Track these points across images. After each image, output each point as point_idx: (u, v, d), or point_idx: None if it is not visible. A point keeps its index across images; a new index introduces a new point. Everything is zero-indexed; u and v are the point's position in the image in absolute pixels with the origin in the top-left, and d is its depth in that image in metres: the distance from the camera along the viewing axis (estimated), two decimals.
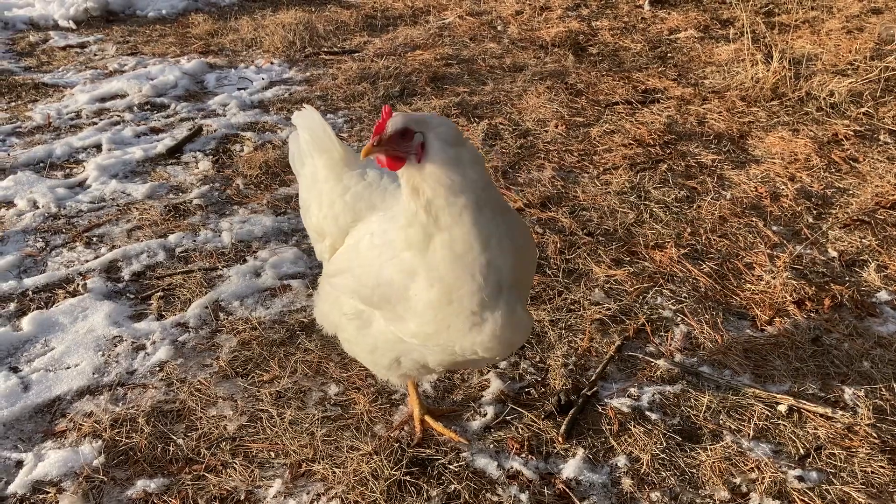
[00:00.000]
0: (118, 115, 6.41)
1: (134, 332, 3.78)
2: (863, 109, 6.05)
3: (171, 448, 3.11)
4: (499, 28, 8.75)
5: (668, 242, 4.39)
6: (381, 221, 2.69)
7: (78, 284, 4.16)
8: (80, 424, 3.22)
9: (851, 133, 5.69)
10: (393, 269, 2.51)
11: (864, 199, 4.80)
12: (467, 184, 2.30)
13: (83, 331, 3.80)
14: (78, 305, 3.97)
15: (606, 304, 3.88)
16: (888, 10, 8.52)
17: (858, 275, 4.11)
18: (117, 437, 3.15)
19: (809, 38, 7.69)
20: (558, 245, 4.35)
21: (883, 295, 3.92)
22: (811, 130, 5.77)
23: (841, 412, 3.17)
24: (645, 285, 4.03)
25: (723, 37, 8.02)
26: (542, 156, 5.51)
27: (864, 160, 5.31)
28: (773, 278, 4.05)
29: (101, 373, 3.54)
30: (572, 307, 3.88)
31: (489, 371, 3.45)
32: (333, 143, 2.96)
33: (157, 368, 3.56)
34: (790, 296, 3.92)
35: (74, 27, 8.98)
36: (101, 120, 6.31)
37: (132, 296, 4.09)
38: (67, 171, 5.50)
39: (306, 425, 3.19)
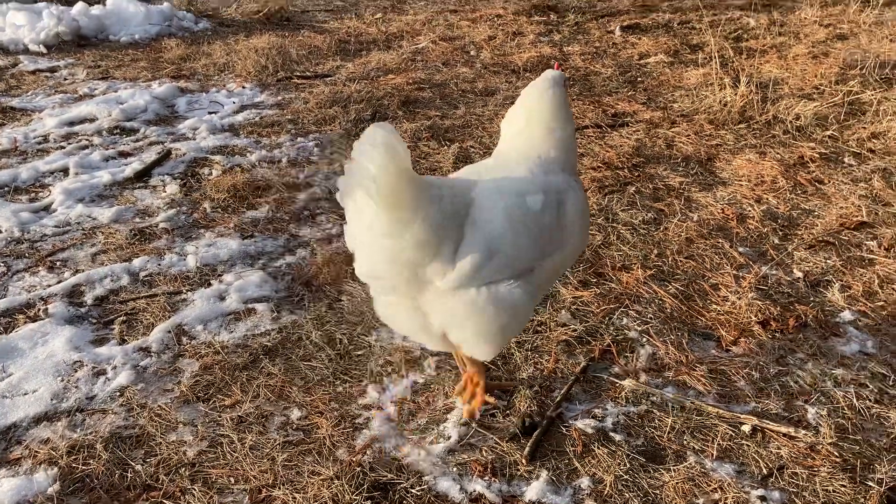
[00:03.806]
0: (86, 140, 6.37)
1: (95, 357, 3.72)
2: (828, 132, 6.14)
3: (129, 474, 3.04)
4: (472, 53, 8.82)
5: (635, 264, 4.40)
6: None
7: (39, 309, 4.09)
8: (36, 452, 3.15)
9: (817, 155, 5.77)
10: None
11: (829, 221, 4.85)
12: None
13: (42, 356, 3.73)
14: (38, 330, 3.90)
15: (573, 326, 3.88)
16: (853, 35, 8.69)
17: (823, 295, 4.14)
18: (74, 464, 3.08)
19: (777, 62, 7.81)
20: None
21: (846, 315, 3.95)
22: (778, 153, 5.84)
23: (804, 431, 3.17)
24: (611, 306, 4.03)
25: (692, 61, 8.13)
26: None
27: (829, 182, 5.38)
28: (739, 299, 4.07)
29: (60, 398, 3.47)
30: (539, 329, 3.87)
31: (457, 396, 3.43)
32: None
33: (118, 394, 3.49)
34: (755, 316, 3.93)
35: (45, 52, 8.94)
36: (69, 144, 6.26)
37: (94, 320, 4.03)
38: (33, 195, 5.43)
39: (267, 450, 3.14)
